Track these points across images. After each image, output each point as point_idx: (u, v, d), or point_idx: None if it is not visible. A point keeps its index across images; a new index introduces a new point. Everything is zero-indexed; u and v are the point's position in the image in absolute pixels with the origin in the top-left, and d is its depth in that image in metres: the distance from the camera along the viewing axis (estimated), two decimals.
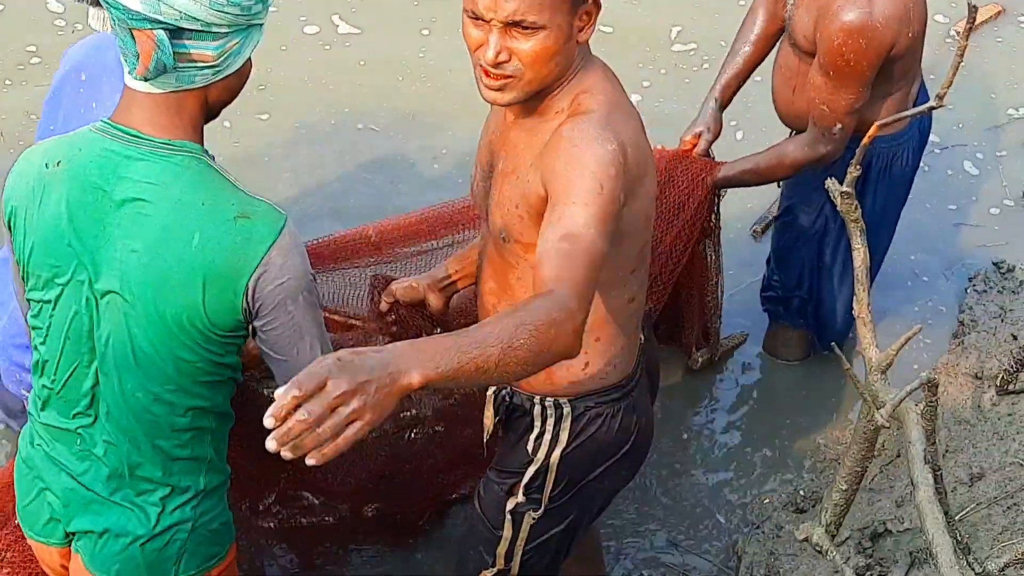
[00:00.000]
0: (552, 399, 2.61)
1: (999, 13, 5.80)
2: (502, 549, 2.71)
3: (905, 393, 2.14)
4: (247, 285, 2.25)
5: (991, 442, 3.67)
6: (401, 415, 3.18)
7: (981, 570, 2.32)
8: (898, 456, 3.73)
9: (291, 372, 2.26)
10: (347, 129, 5.12)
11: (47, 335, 2.42)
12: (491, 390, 2.67)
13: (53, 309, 2.38)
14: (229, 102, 2.38)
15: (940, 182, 4.90)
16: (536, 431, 2.63)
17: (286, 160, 4.97)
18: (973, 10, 2.43)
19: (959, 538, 2.34)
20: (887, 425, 2.19)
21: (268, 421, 1.61)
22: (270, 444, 1.61)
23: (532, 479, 2.64)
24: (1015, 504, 3.32)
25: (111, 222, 2.28)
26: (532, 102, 2.37)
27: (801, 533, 2.60)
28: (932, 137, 4.29)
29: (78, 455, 2.47)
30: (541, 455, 2.63)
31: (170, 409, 2.38)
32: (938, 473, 2.23)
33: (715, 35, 5.52)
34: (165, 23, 2.12)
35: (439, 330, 3.03)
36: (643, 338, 2.71)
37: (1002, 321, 4.25)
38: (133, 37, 2.16)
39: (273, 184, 4.75)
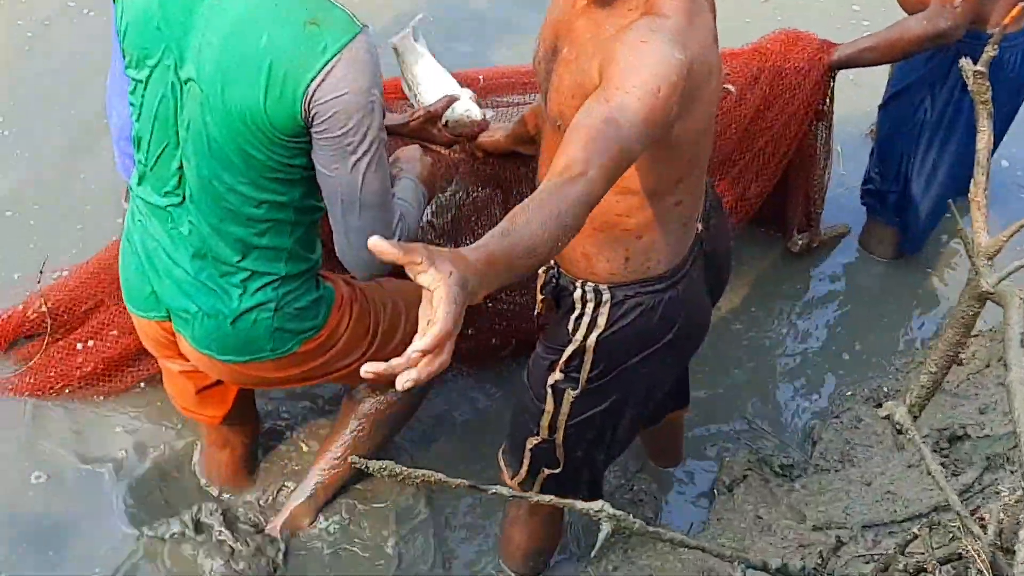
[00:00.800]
0: (593, 284, 2.62)
1: None
2: (545, 421, 2.76)
3: (1017, 265, 2.13)
4: (306, 91, 2.27)
5: None
6: None
7: None
8: (987, 366, 3.71)
9: (333, 190, 2.42)
10: None
11: (140, 112, 2.50)
12: (541, 268, 2.70)
13: (144, 89, 2.45)
14: None
15: None
16: (576, 312, 2.65)
17: None
18: None
19: None
20: (992, 291, 2.18)
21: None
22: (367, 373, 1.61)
23: (570, 358, 2.67)
24: None
25: (196, 11, 2.32)
26: None
27: (884, 410, 2.58)
28: None
29: (168, 233, 2.59)
30: (579, 336, 2.65)
31: (243, 200, 2.46)
32: None
33: None
34: None
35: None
36: (700, 227, 2.68)
37: None
38: None
39: None
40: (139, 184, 2.63)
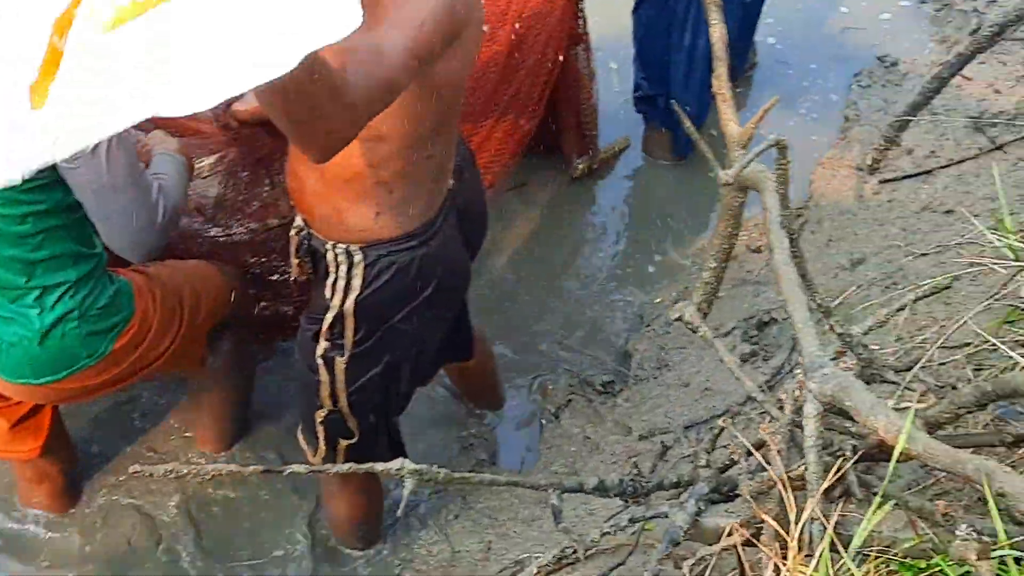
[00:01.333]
0: (344, 246, 2.60)
1: None
2: (325, 392, 2.74)
3: (753, 154, 2.14)
4: None
5: (871, 228, 3.77)
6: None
7: (843, 331, 2.36)
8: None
9: (80, 180, 2.42)
10: None
11: None
12: (292, 231, 2.68)
13: None
14: None
15: None
16: (332, 278, 2.63)
17: None
18: None
19: (819, 302, 2.40)
20: (731, 182, 2.21)
21: None
22: None
23: (331, 325, 2.66)
24: (893, 283, 3.40)
25: None
26: None
27: (674, 312, 2.62)
28: None
29: None
30: (336, 302, 2.64)
31: (8, 220, 2.43)
32: (794, 237, 2.26)
33: None
34: None
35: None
36: (452, 182, 2.67)
37: (885, 114, 4.31)
38: None
39: None
40: None
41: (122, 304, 2.72)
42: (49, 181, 2.43)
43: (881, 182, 3.91)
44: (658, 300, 3.85)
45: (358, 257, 2.58)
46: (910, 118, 3.84)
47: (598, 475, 2.48)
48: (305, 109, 1.81)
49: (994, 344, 2.46)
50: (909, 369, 2.42)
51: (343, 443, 2.82)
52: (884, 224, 3.76)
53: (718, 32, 2.50)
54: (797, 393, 2.19)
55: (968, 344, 2.51)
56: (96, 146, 2.33)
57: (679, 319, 2.76)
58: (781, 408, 2.23)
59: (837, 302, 3.01)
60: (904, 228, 3.70)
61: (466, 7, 2.29)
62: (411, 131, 2.42)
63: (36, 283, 2.57)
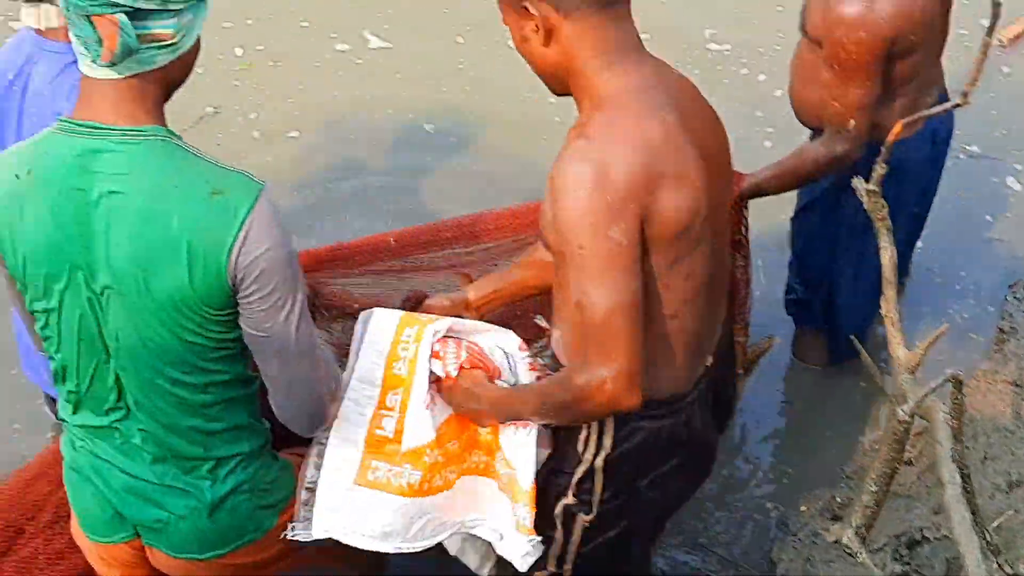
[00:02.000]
0: None
1: None
2: (554, 551, 2.70)
3: (929, 389, 2.16)
4: (228, 258, 2.27)
5: None
6: None
7: (1012, 571, 2.33)
8: (935, 463, 3.73)
9: (268, 348, 2.40)
10: (384, 141, 5.15)
11: (60, 342, 2.45)
12: None
13: (59, 316, 2.41)
14: (185, 79, 2.41)
15: (985, 193, 4.87)
16: (584, 432, 2.61)
17: (319, 175, 5.01)
18: (997, 6, 2.44)
19: (989, 539, 2.36)
20: (909, 420, 2.21)
21: None
22: None
23: (581, 480, 2.63)
24: None
25: (93, 219, 2.29)
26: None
27: (832, 535, 2.63)
28: (974, 148, 4.30)
29: (119, 449, 2.53)
30: (588, 456, 2.61)
31: (191, 389, 2.44)
32: (965, 472, 2.25)
33: (748, 39, 5.59)
34: (124, 5, 2.16)
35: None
36: (711, 359, 2.67)
37: None
38: (93, 24, 2.18)
39: (306, 199, 4.82)
40: (75, 413, 2.58)
41: (286, 481, 2.71)
42: (235, 352, 2.47)
43: None
44: (803, 508, 3.78)
45: (609, 420, 2.57)
46: None
47: None
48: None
49: None
50: None
51: None
52: None
53: (888, 256, 2.52)
54: None
55: None
56: (288, 314, 2.38)
57: (837, 542, 2.74)
58: None
59: (995, 524, 2.96)
60: None
61: (632, 169, 2.28)
62: (653, 305, 2.44)
63: (212, 454, 2.56)
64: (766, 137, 4.98)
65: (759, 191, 3.52)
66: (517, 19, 2.44)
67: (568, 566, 2.71)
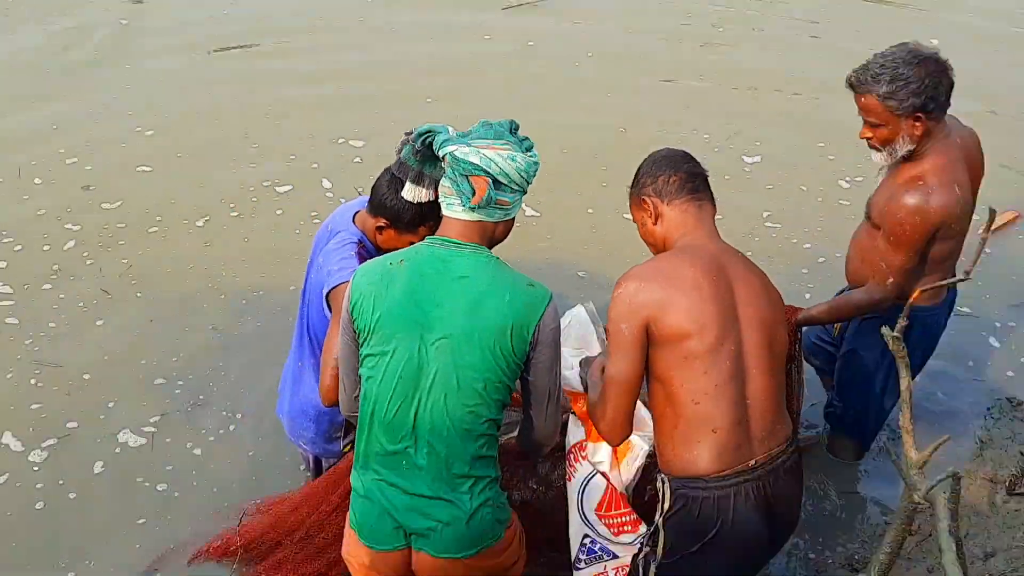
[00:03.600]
0: (663, 472, 2.64)
1: (1016, 217, 5.73)
2: None
3: (937, 481, 2.19)
4: (535, 327, 2.48)
5: (1001, 530, 3.64)
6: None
7: None
8: (930, 535, 3.65)
9: (542, 391, 2.57)
10: None
11: (381, 378, 2.52)
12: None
13: (390, 359, 2.50)
14: (502, 239, 2.62)
15: (971, 343, 4.76)
16: (659, 494, 2.66)
17: None
18: (992, 212, 2.54)
19: None
20: (923, 503, 2.24)
21: None
22: None
23: (653, 532, 2.65)
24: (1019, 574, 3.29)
25: (445, 292, 2.48)
26: None
27: None
28: (965, 309, 4.27)
29: (403, 472, 2.55)
30: (657, 515, 2.64)
31: (476, 419, 2.52)
32: (959, 542, 2.25)
33: (796, 216, 5.58)
34: (491, 174, 2.44)
35: None
36: (755, 462, 2.56)
37: (1012, 441, 4.21)
38: (470, 182, 2.45)
39: None
40: (370, 441, 2.58)
41: (507, 504, 2.70)
42: (504, 398, 2.55)
43: (1009, 494, 3.79)
44: (828, 560, 3.68)
45: (667, 484, 2.61)
46: None
47: None
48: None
49: None
50: None
51: None
52: (1011, 527, 3.63)
53: (906, 383, 2.56)
54: None
55: None
56: (556, 369, 2.57)
57: None
58: None
59: None
60: None
61: (648, 286, 2.54)
62: (656, 370, 2.56)
63: (474, 473, 2.55)
64: (807, 290, 4.98)
65: (810, 321, 3.48)
66: (638, 211, 2.70)
67: None
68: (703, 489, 2.55)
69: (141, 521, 3.72)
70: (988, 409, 4.42)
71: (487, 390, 2.49)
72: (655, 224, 2.68)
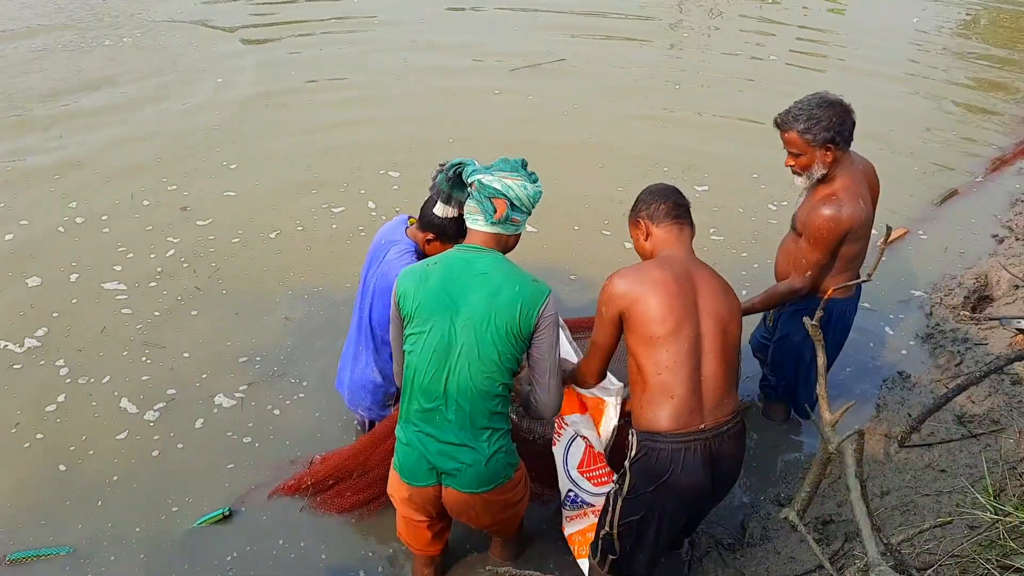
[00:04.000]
0: (633, 427, 2.63)
1: (906, 232, 5.73)
2: (607, 518, 2.68)
3: (846, 436, 2.22)
4: (538, 312, 2.50)
5: (894, 474, 3.66)
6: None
7: (886, 542, 2.33)
8: (839, 478, 3.69)
9: (544, 366, 2.54)
10: None
11: (420, 352, 2.54)
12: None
13: (426, 336, 2.52)
14: (513, 247, 2.63)
15: (871, 330, 4.78)
16: (628, 443, 2.65)
17: None
18: (888, 228, 2.59)
19: (875, 523, 2.40)
20: (835, 453, 2.26)
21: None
22: None
23: (623, 474, 2.64)
24: (907, 509, 3.32)
25: (469, 284, 2.50)
26: None
27: (782, 514, 2.61)
28: (867, 304, 4.27)
29: (438, 424, 2.57)
30: (627, 461, 2.63)
31: (492, 383, 2.53)
32: (862, 483, 2.25)
33: (738, 230, 5.54)
34: (508, 197, 2.46)
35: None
36: (704, 425, 2.53)
37: (902, 405, 4.20)
38: (492, 203, 2.48)
39: None
40: (411, 395, 2.58)
41: (516, 452, 2.71)
42: (516, 367, 2.56)
43: (900, 446, 3.82)
44: (762, 497, 3.73)
45: (635, 436, 2.60)
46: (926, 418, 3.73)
47: None
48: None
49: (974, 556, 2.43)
50: (926, 568, 2.38)
51: (609, 557, 2.73)
52: (902, 471, 3.65)
53: (822, 360, 2.55)
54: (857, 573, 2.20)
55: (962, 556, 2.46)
56: (556, 348, 2.55)
57: (785, 519, 2.75)
58: None
59: (876, 514, 2.93)
60: (914, 477, 3.59)
61: (627, 284, 2.56)
62: (634, 343, 2.55)
63: (491, 424, 2.56)
64: (744, 287, 4.94)
65: (750, 310, 3.47)
66: (634, 229, 2.70)
67: (614, 532, 2.66)
68: (661, 442, 2.56)
69: (231, 466, 3.75)
70: (884, 381, 4.43)
71: (502, 360, 2.51)
72: (646, 240, 2.71)
